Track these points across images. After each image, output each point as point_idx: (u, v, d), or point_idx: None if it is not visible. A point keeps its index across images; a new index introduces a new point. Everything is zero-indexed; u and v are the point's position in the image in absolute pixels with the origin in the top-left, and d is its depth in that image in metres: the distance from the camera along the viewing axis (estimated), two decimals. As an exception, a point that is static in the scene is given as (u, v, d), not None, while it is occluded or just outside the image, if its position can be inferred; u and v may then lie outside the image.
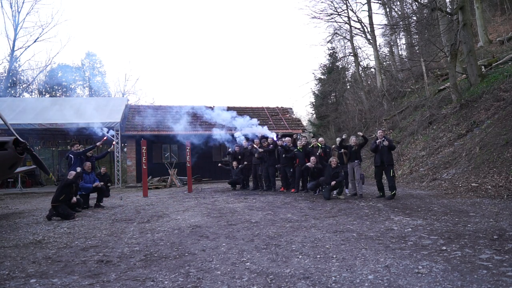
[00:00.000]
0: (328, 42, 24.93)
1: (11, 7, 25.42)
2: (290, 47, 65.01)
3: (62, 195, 6.65)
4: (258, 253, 3.83)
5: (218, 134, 13.16)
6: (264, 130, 11.77)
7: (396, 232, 4.58)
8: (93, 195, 8.49)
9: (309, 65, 47.08)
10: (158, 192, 11.99)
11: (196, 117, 15.67)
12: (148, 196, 10.41)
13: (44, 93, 28.39)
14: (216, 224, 5.56)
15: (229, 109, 13.72)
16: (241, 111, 15.62)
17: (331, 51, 26.81)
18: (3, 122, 6.91)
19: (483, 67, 14.18)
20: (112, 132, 13.87)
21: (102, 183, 8.40)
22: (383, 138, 7.92)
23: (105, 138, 10.07)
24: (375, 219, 5.51)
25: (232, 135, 12.74)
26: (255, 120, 12.71)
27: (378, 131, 8.29)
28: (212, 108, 14.68)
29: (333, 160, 8.33)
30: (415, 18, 19.33)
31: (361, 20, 22.39)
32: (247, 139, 11.93)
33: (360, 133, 8.69)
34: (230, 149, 12.29)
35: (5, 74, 25.38)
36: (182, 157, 16.02)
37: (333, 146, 9.67)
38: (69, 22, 52.67)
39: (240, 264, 3.46)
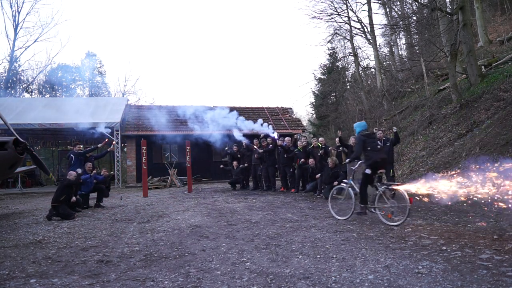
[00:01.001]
0: (328, 42, 24.92)
1: (11, 7, 25.48)
2: (290, 47, 65.12)
3: (62, 195, 6.65)
4: (258, 253, 3.83)
5: (218, 134, 13.14)
6: (266, 130, 11.71)
7: (396, 232, 4.58)
8: (93, 195, 8.50)
9: (309, 65, 47.14)
10: (158, 192, 11.99)
11: (196, 117, 15.65)
12: (148, 196, 10.41)
13: (44, 93, 28.39)
14: (216, 224, 5.56)
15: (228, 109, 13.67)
16: (241, 111, 15.61)
17: (331, 51, 26.83)
18: (3, 122, 6.92)
19: (483, 67, 14.15)
20: (108, 130, 13.64)
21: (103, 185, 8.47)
22: (384, 138, 8.03)
23: (106, 140, 10.06)
24: (375, 219, 5.50)
25: (233, 135, 12.70)
26: (263, 124, 12.63)
27: (378, 132, 8.32)
28: (213, 108, 14.67)
29: (331, 160, 8.35)
30: (415, 18, 19.30)
31: (361, 20, 22.37)
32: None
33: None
34: (227, 149, 12.25)
35: (5, 74, 25.38)
36: (182, 157, 16.01)
37: (330, 148, 9.68)
38: (69, 22, 52.97)
39: (240, 264, 3.46)
